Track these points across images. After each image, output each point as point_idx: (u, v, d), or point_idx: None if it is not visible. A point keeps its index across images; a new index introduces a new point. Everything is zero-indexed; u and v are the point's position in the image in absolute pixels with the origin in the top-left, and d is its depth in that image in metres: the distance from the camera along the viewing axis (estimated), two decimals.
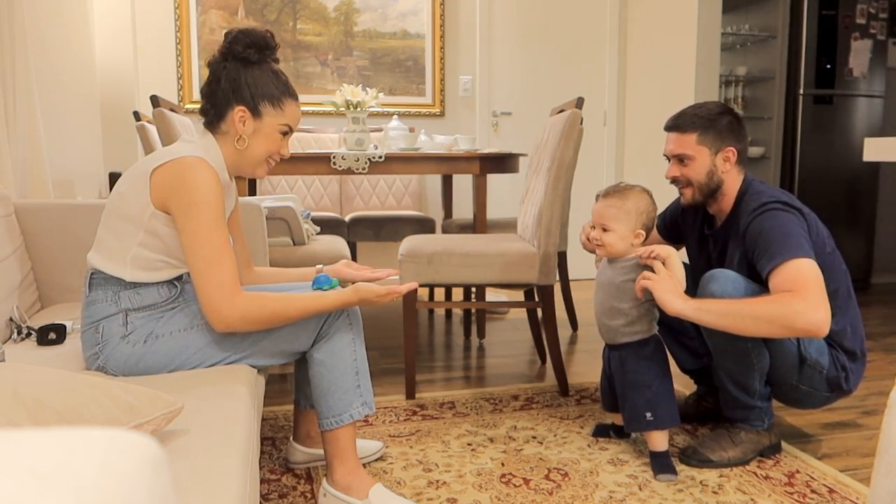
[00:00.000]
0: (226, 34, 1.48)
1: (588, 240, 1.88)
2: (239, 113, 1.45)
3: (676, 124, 1.83)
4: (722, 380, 1.79)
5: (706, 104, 1.84)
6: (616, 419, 1.98)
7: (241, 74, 1.45)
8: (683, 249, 2.09)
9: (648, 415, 1.75)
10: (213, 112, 1.47)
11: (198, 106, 4.24)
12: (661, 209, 2.10)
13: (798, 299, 1.56)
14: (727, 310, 1.62)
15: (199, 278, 1.33)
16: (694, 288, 1.83)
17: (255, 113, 1.46)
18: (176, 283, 1.44)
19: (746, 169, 1.86)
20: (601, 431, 2.00)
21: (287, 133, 1.52)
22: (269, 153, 1.50)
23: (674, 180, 1.86)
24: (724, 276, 1.70)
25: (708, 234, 1.93)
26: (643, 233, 1.77)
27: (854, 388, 1.78)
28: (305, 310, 1.41)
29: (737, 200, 1.82)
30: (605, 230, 1.77)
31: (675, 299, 1.64)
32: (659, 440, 1.76)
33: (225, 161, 1.49)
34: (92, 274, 1.41)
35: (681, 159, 1.82)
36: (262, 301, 1.37)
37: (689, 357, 2.02)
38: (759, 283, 1.74)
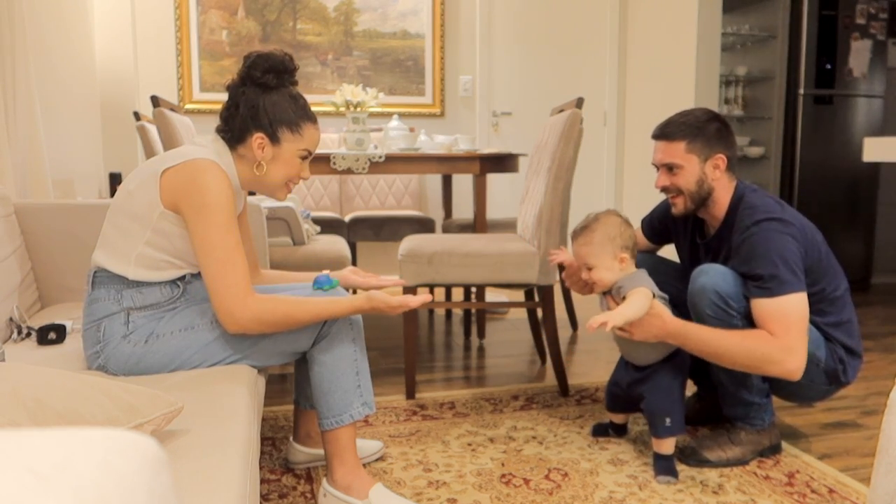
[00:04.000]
0: (245, 58, 1.48)
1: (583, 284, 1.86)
2: (258, 140, 1.45)
3: (664, 133, 1.81)
4: (720, 376, 1.80)
5: (693, 111, 1.82)
6: (617, 418, 1.99)
7: (260, 100, 1.45)
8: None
9: (668, 420, 1.75)
10: (231, 136, 1.47)
11: (198, 106, 4.24)
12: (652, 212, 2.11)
13: (777, 346, 1.62)
14: (708, 339, 1.66)
15: (211, 280, 1.34)
16: (686, 291, 1.83)
17: (274, 139, 1.46)
18: (178, 283, 1.44)
19: (738, 175, 1.85)
20: (600, 431, 2.01)
21: (306, 157, 1.52)
22: (288, 178, 1.51)
23: (664, 189, 1.84)
24: (715, 270, 1.71)
25: (700, 243, 1.92)
26: (626, 256, 1.74)
27: (852, 380, 1.79)
28: (318, 314, 1.41)
29: (730, 210, 1.80)
30: (589, 269, 1.76)
31: (655, 334, 1.68)
32: (667, 444, 1.77)
33: (239, 177, 1.50)
34: (95, 272, 1.42)
35: (670, 168, 1.80)
36: (275, 303, 1.37)
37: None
38: None
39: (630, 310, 1.64)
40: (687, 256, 1.99)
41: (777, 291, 1.63)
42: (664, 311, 1.68)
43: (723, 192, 1.80)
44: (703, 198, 1.80)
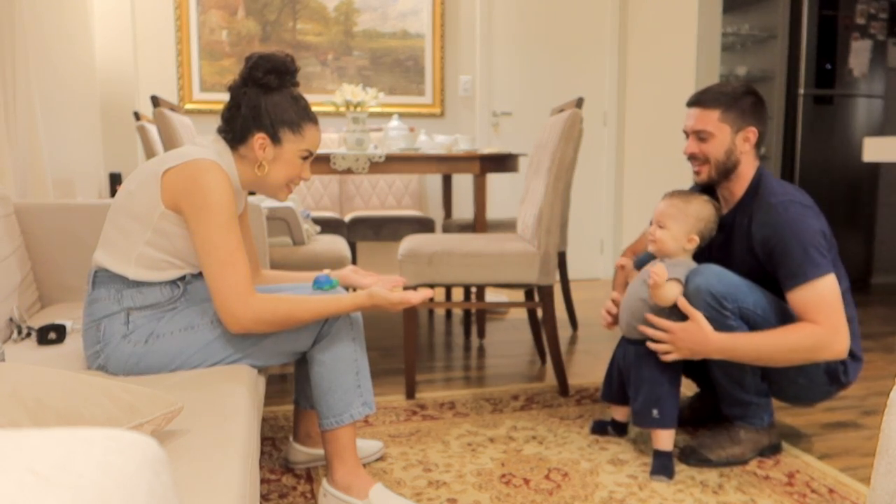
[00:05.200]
0: (246, 59, 1.49)
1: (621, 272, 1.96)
2: (259, 140, 1.46)
3: (700, 100, 1.82)
4: (716, 375, 1.80)
5: (731, 83, 1.83)
6: (616, 413, 1.98)
7: (262, 101, 1.46)
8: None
9: (655, 412, 1.75)
10: (232, 136, 1.48)
11: (198, 106, 4.24)
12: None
13: (821, 331, 1.63)
14: (757, 345, 1.67)
15: (213, 280, 1.34)
16: None
17: (275, 140, 1.47)
18: (179, 283, 1.45)
19: (760, 158, 1.85)
20: (599, 428, 2.00)
21: (307, 157, 1.53)
22: (289, 178, 1.52)
23: (691, 156, 1.84)
24: (710, 271, 1.71)
25: None
26: (697, 238, 1.78)
27: (853, 380, 1.79)
28: (319, 312, 1.42)
29: (749, 189, 1.80)
30: (661, 227, 1.79)
31: (700, 351, 1.69)
32: (665, 439, 1.77)
33: (240, 177, 1.51)
34: (96, 272, 1.42)
35: (701, 136, 1.81)
36: (276, 302, 1.37)
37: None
38: (757, 279, 1.74)
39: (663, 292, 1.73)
40: None
41: (811, 276, 1.64)
42: (707, 326, 1.68)
43: (748, 167, 1.81)
44: (728, 169, 1.80)
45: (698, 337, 1.68)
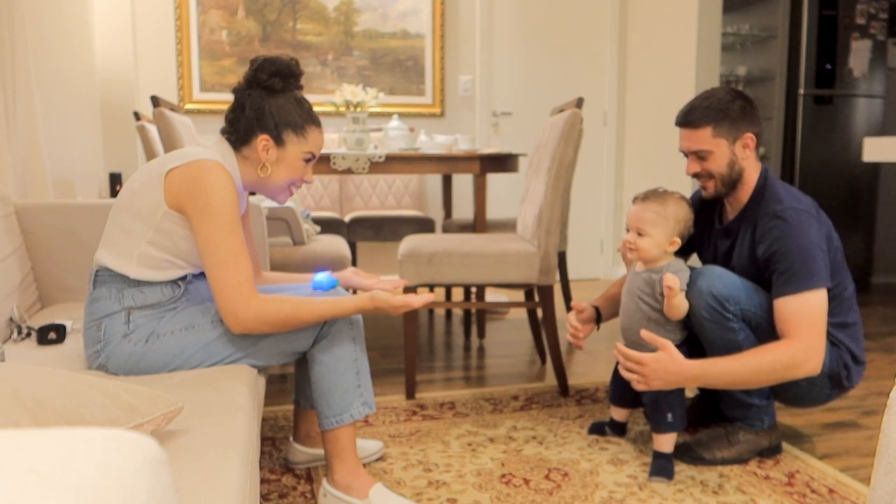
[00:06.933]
0: (251, 61, 1.49)
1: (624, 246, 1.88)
2: (262, 141, 1.47)
3: (688, 120, 1.77)
4: None
5: (715, 92, 1.78)
6: (615, 413, 1.98)
7: (266, 103, 1.47)
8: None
9: (669, 416, 1.75)
10: (236, 138, 1.49)
11: (198, 106, 4.23)
12: None
13: (796, 349, 1.62)
14: (730, 371, 1.65)
15: (216, 280, 1.35)
16: None
17: (279, 141, 1.48)
18: (179, 283, 1.45)
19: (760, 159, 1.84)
20: (597, 429, 2.00)
21: (310, 160, 1.54)
22: (291, 180, 1.53)
23: (695, 175, 1.81)
24: (713, 273, 1.71)
25: (719, 229, 1.90)
26: (678, 241, 1.75)
27: (855, 384, 1.78)
28: (322, 314, 1.42)
29: (754, 196, 1.78)
30: (640, 234, 1.75)
31: (673, 381, 1.67)
32: (667, 442, 1.76)
33: (242, 179, 1.51)
34: (97, 271, 1.42)
35: (699, 155, 1.78)
36: (278, 303, 1.38)
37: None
38: (759, 282, 1.74)
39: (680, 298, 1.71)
40: (705, 243, 1.96)
41: (803, 287, 1.62)
42: (678, 355, 1.66)
43: (752, 172, 1.79)
44: (734, 180, 1.78)
45: (671, 367, 1.65)
